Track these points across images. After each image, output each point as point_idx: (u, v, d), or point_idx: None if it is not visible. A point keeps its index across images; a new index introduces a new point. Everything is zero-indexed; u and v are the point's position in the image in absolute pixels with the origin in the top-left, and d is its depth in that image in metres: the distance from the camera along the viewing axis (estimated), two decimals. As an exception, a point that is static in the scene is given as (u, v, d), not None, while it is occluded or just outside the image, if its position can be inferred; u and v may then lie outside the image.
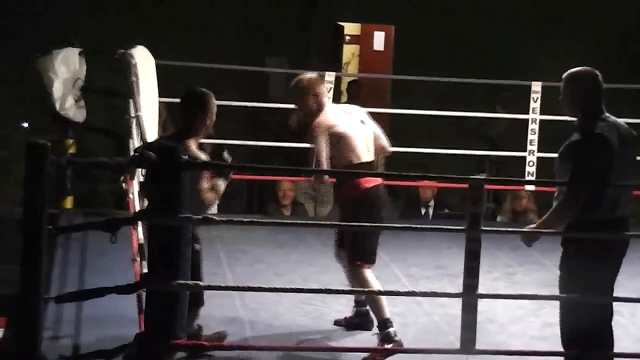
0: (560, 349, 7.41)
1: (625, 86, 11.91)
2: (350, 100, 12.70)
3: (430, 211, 12.15)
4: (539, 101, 10.99)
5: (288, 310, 7.62)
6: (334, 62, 13.07)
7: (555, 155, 10.21)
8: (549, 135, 11.13)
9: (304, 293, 8.00)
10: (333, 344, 7.57)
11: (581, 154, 6.81)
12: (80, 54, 10.27)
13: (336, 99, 11.59)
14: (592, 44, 15.54)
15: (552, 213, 7.16)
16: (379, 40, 15.74)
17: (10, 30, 14.59)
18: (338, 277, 8.33)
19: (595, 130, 6.77)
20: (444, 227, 7.15)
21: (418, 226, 6.97)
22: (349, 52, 15.67)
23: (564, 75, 6.93)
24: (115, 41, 9.91)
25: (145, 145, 6.77)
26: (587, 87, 6.85)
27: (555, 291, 8.98)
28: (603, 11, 16.27)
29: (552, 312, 8.37)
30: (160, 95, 9.24)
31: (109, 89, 10.41)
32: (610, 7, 16.26)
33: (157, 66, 9.30)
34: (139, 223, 6.94)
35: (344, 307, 8.09)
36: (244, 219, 7.73)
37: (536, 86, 11.02)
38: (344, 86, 14.18)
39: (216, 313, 7.67)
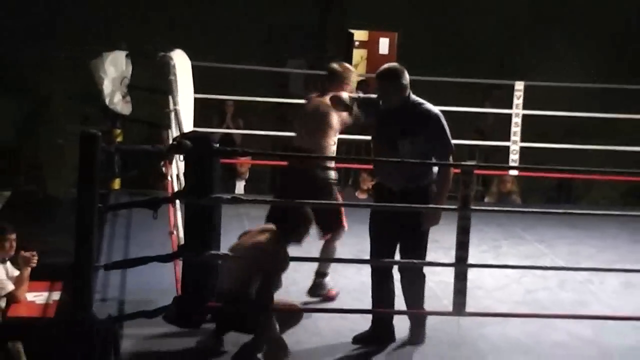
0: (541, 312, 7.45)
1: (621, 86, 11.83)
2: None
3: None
4: (521, 98, 10.98)
5: (304, 277, 7.62)
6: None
7: (535, 144, 10.29)
8: (529, 128, 11.16)
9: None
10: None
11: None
12: (127, 56, 10.30)
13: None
14: (590, 45, 15.46)
15: (445, 182, 6.90)
16: (383, 45, 15.74)
17: (65, 33, 14.63)
18: (349, 250, 8.34)
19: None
20: (439, 206, 7.11)
21: (416, 205, 6.92)
22: (358, 55, 15.66)
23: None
24: (157, 45, 9.94)
25: (183, 135, 6.78)
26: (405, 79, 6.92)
27: (536, 262, 9.04)
28: (600, 12, 16.08)
29: (532, 280, 8.41)
30: (196, 91, 9.29)
31: (152, 86, 10.40)
32: (606, 9, 16.06)
33: (194, 67, 9.32)
34: (177, 202, 6.94)
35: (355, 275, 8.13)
36: (267, 199, 7.68)
37: (519, 85, 11.01)
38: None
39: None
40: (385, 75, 6.95)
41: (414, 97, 6.95)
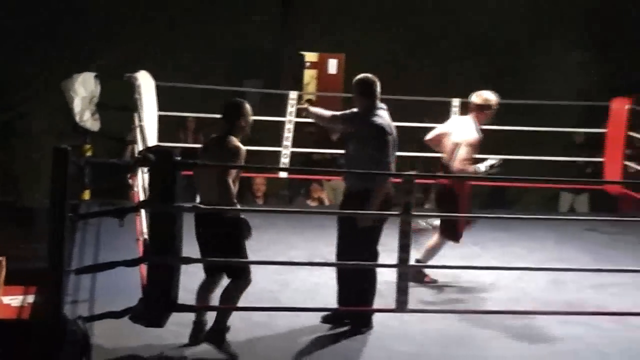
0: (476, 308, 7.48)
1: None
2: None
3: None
4: (457, 113, 11.03)
5: (262, 278, 7.59)
6: (297, 83, 13.02)
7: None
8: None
9: (274, 265, 8.03)
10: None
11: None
12: (95, 77, 10.25)
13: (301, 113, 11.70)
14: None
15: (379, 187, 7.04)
16: (332, 65, 15.81)
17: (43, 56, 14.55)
18: (302, 253, 8.36)
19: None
20: (384, 212, 7.16)
21: (364, 212, 6.97)
22: (309, 75, 15.72)
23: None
24: (125, 66, 9.88)
25: (147, 149, 6.75)
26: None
27: (471, 262, 9.07)
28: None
29: (468, 279, 8.43)
30: (161, 109, 9.24)
31: (120, 104, 10.35)
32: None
33: (161, 87, 9.28)
34: (142, 211, 6.90)
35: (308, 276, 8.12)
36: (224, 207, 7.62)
37: (455, 102, 11.07)
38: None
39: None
40: (355, 83, 7.26)
41: (378, 107, 7.19)
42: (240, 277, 6.63)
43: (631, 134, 11.39)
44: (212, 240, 6.60)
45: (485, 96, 8.32)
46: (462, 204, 8.21)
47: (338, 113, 7.46)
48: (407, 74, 15.28)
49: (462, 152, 8.11)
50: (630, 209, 11.80)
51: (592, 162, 12.20)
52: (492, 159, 8.23)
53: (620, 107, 11.38)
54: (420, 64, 15.76)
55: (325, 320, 7.05)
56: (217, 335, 6.60)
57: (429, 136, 8.51)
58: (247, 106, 6.85)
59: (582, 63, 16.66)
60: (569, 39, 16.65)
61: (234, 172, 6.55)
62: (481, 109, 8.26)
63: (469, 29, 16.23)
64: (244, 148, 6.66)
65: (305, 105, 7.30)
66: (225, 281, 6.72)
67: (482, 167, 8.16)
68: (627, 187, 11.50)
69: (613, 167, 11.36)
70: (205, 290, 6.75)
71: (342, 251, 7.14)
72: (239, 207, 6.58)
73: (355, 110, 7.32)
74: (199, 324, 6.61)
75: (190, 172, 6.78)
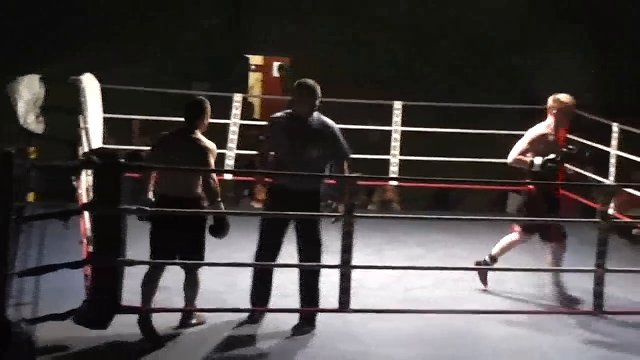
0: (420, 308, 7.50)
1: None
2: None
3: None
4: (401, 116, 11.08)
5: (208, 279, 7.55)
6: (245, 86, 13.01)
7: (414, 158, 10.37)
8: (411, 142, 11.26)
9: (220, 267, 8.00)
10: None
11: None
12: (41, 79, 10.14)
13: (247, 115, 11.74)
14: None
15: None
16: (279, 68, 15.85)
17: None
18: (248, 255, 8.32)
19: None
20: (328, 214, 7.20)
21: (309, 214, 7.01)
22: (256, 78, 15.73)
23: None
24: (76, 71, 9.76)
25: (93, 152, 6.71)
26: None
27: (415, 263, 9.11)
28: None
29: (412, 280, 8.46)
30: (108, 112, 9.17)
31: (67, 107, 10.24)
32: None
33: (111, 90, 9.20)
34: (88, 213, 6.85)
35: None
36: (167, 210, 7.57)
37: (399, 105, 11.11)
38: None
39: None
40: (306, 88, 7.25)
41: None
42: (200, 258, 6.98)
43: (570, 136, 11.49)
44: (181, 229, 6.78)
45: (556, 98, 8.38)
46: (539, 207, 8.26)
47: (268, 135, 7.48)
48: (350, 77, 15.29)
49: (517, 146, 8.26)
50: (570, 210, 11.90)
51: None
52: (553, 155, 8.16)
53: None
54: (360, 66, 15.76)
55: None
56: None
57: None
58: (209, 105, 7.09)
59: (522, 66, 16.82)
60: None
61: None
62: (553, 110, 8.32)
63: (414, 35, 16.28)
64: (215, 146, 6.96)
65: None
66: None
67: (537, 160, 8.12)
68: (566, 189, 11.60)
69: (554, 170, 11.47)
70: (156, 278, 6.92)
71: (308, 252, 7.25)
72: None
73: (295, 112, 7.32)
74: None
75: (137, 175, 6.77)
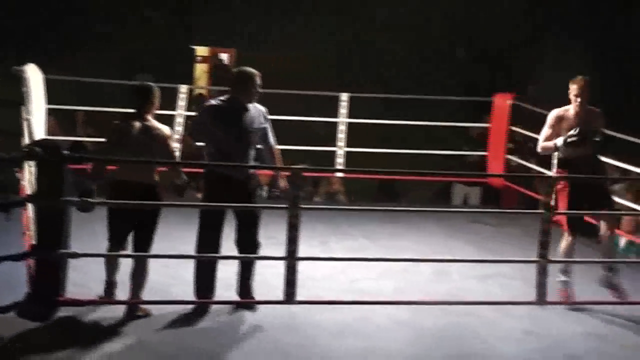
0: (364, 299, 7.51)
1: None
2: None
3: (264, 193, 12.09)
4: (346, 108, 11.10)
5: (153, 271, 7.50)
6: (188, 79, 12.96)
7: (357, 149, 10.36)
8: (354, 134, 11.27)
9: (165, 258, 7.94)
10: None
11: None
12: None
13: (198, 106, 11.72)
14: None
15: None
16: (225, 59, 15.78)
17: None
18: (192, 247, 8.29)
19: None
20: (274, 205, 7.23)
21: (256, 205, 7.04)
22: (200, 69, 15.64)
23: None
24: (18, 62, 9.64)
25: (34, 143, 6.62)
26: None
27: (360, 254, 9.12)
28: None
29: (357, 271, 8.46)
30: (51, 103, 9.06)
31: (10, 99, 10.13)
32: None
33: (55, 81, 9.09)
34: (29, 205, 6.76)
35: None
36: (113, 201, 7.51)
37: (344, 97, 11.12)
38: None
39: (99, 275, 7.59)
40: (249, 76, 7.36)
41: None
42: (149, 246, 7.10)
43: (513, 128, 11.60)
44: (137, 215, 7.01)
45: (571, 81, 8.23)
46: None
47: (200, 119, 7.50)
48: (292, 69, 15.26)
49: (542, 134, 8.17)
50: (512, 201, 12.01)
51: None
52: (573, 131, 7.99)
53: (502, 102, 11.57)
54: (311, 57, 15.75)
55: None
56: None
57: None
58: (157, 90, 7.20)
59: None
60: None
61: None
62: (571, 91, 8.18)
63: (358, 27, 16.29)
64: (169, 129, 7.22)
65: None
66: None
67: (559, 140, 7.98)
68: (508, 181, 11.70)
69: (496, 161, 11.56)
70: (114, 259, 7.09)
71: (244, 238, 7.39)
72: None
73: (232, 98, 7.40)
74: (110, 284, 7.03)
75: (80, 166, 6.73)
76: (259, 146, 7.50)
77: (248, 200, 7.27)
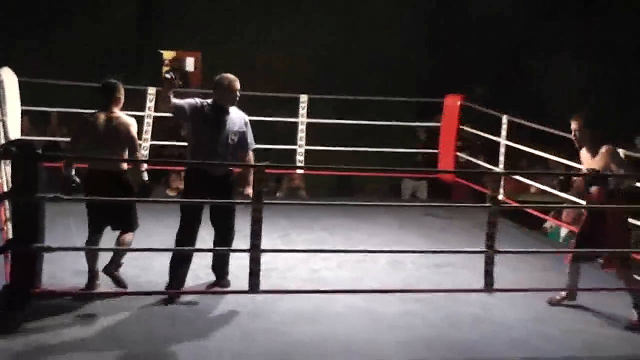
0: (324, 288, 7.54)
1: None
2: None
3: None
4: (306, 109, 11.11)
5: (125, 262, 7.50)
6: (156, 80, 12.91)
7: (317, 147, 10.38)
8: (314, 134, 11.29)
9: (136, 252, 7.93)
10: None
11: None
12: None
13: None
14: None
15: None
16: (190, 63, 15.75)
17: None
18: (160, 239, 8.29)
19: None
20: (239, 201, 7.27)
21: (220, 201, 7.05)
22: (167, 70, 15.62)
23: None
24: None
25: (9, 142, 6.62)
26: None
27: (320, 247, 9.15)
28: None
29: (317, 262, 8.50)
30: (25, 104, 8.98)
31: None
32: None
33: (24, 82, 9.01)
34: (5, 202, 6.74)
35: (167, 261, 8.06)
36: (86, 197, 7.50)
37: (304, 97, 11.14)
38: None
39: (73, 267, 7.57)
40: (232, 81, 7.46)
41: None
42: (133, 228, 7.34)
43: (463, 127, 11.68)
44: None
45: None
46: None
47: (187, 102, 7.50)
48: (256, 72, 15.21)
49: None
50: (462, 196, 12.10)
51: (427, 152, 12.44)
52: None
53: (453, 103, 11.65)
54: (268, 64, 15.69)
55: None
56: (111, 270, 7.20)
57: None
58: (121, 86, 7.49)
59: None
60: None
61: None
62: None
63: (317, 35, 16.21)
64: (134, 120, 7.41)
65: (170, 79, 7.47)
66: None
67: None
68: (459, 176, 11.79)
69: (447, 158, 11.63)
70: (93, 244, 7.26)
71: (221, 227, 7.57)
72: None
73: (215, 102, 7.50)
74: (92, 272, 7.19)
75: (54, 164, 6.72)
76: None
77: (226, 195, 7.39)
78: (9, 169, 6.60)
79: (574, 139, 7.72)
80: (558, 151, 10.73)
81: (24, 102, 8.52)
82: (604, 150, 7.49)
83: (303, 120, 11.13)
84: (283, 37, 16.02)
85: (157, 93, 7.82)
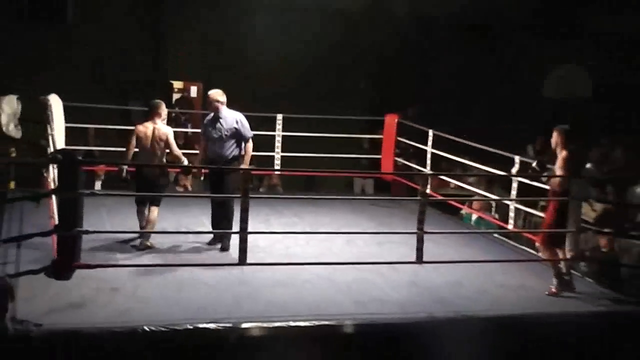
0: (295, 261, 7.49)
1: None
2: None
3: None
4: (281, 125, 11.05)
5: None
6: (168, 104, 12.81)
7: (290, 154, 10.31)
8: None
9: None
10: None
11: None
12: (17, 98, 9.84)
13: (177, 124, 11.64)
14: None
15: (249, 154, 8.04)
16: (194, 91, 15.65)
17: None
18: (169, 224, 8.21)
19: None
20: (231, 195, 7.24)
21: (214, 195, 7.00)
22: (176, 98, 15.53)
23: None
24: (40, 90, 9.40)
25: (56, 151, 6.54)
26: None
27: (292, 229, 9.11)
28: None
29: (290, 241, 8.47)
30: (67, 122, 8.88)
31: (38, 118, 9.91)
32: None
33: (67, 106, 8.91)
34: (53, 196, 6.66)
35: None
36: (114, 192, 7.45)
37: (279, 117, 11.07)
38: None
39: (103, 246, 7.48)
40: (208, 97, 8.09)
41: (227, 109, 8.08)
42: (159, 204, 7.92)
43: (399, 138, 11.68)
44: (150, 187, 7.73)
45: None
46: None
47: (201, 130, 8.27)
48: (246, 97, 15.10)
49: None
50: (399, 191, 12.11)
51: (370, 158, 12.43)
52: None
53: (391, 120, 11.65)
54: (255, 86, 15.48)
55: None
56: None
57: None
58: (162, 104, 8.06)
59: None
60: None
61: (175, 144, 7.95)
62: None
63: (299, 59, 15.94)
64: (170, 129, 7.97)
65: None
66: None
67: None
68: (397, 176, 11.81)
69: (387, 162, 11.63)
70: (141, 213, 7.92)
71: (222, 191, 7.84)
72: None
73: (212, 114, 8.04)
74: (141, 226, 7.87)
75: (90, 168, 6.65)
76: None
77: (223, 178, 7.82)
78: (56, 171, 6.51)
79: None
80: (466, 154, 10.81)
81: (67, 120, 8.44)
82: (562, 154, 7.34)
83: (279, 133, 11.09)
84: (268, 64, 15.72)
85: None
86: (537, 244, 7.66)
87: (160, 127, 7.87)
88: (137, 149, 7.97)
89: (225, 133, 7.88)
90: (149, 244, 7.74)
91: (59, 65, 14.67)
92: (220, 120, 7.93)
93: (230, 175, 7.76)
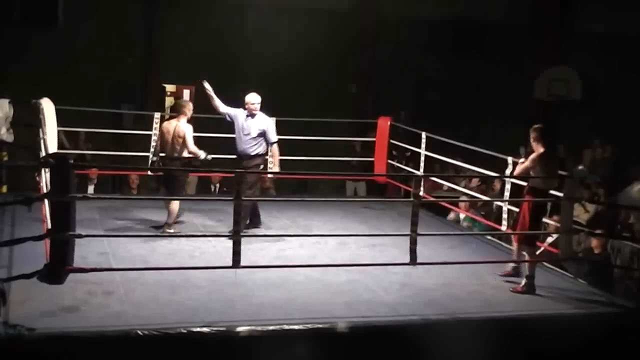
0: (288, 263, 7.49)
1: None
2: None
3: (216, 189, 12.02)
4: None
5: (134, 246, 7.43)
6: (160, 108, 12.77)
7: (282, 157, 10.32)
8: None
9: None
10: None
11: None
12: (9, 102, 9.86)
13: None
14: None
15: (276, 154, 8.76)
16: (186, 94, 15.60)
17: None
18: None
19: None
20: (223, 198, 7.23)
21: (210, 197, 7.01)
22: (169, 101, 15.45)
23: None
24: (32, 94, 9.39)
25: (48, 155, 6.54)
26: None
27: (284, 232, 9.12)
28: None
29: (283, 243, 8.48)
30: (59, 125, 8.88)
31: (29, 122, 9.91)
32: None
33: (58, 109, 8.91)
34: (45, 200, 6.66)
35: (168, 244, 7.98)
36: (107, 196, 7.46)
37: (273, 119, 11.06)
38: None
39: (96, 250, 7.49)
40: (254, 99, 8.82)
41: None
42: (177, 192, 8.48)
43: (392, 141, 11.72)
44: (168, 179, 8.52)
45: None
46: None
47: (223, 106, 8.91)
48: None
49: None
50: (392, 193, 12.15)
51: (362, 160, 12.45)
52: None
53: (384, 123, 11.68)
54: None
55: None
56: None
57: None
58: (187, 103, 8.80)
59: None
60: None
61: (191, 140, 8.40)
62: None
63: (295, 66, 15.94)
64: (189, 127, 8.46)
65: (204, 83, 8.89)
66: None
67: None
68: (389, 178, 11.84)
69: (380, 164, 11.66)
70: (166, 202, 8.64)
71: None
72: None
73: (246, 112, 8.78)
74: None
75: (81, 171, 6.65)
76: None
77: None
78: (48, 175, 6.52)
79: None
80: (455, 156, 10.84)
81: (59, 123, 8.44)
82: (539, 150, 7.41)
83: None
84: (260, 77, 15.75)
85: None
86: (514, 243, 7.74)
87: (180, 125, 8.38)
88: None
89: (255, 132, 8.63)
90: (171, 231, 8.36)
91: (50, 68, 14.66)
92: (254, 120, 8.69)
93: (251, 173, 8.53)
